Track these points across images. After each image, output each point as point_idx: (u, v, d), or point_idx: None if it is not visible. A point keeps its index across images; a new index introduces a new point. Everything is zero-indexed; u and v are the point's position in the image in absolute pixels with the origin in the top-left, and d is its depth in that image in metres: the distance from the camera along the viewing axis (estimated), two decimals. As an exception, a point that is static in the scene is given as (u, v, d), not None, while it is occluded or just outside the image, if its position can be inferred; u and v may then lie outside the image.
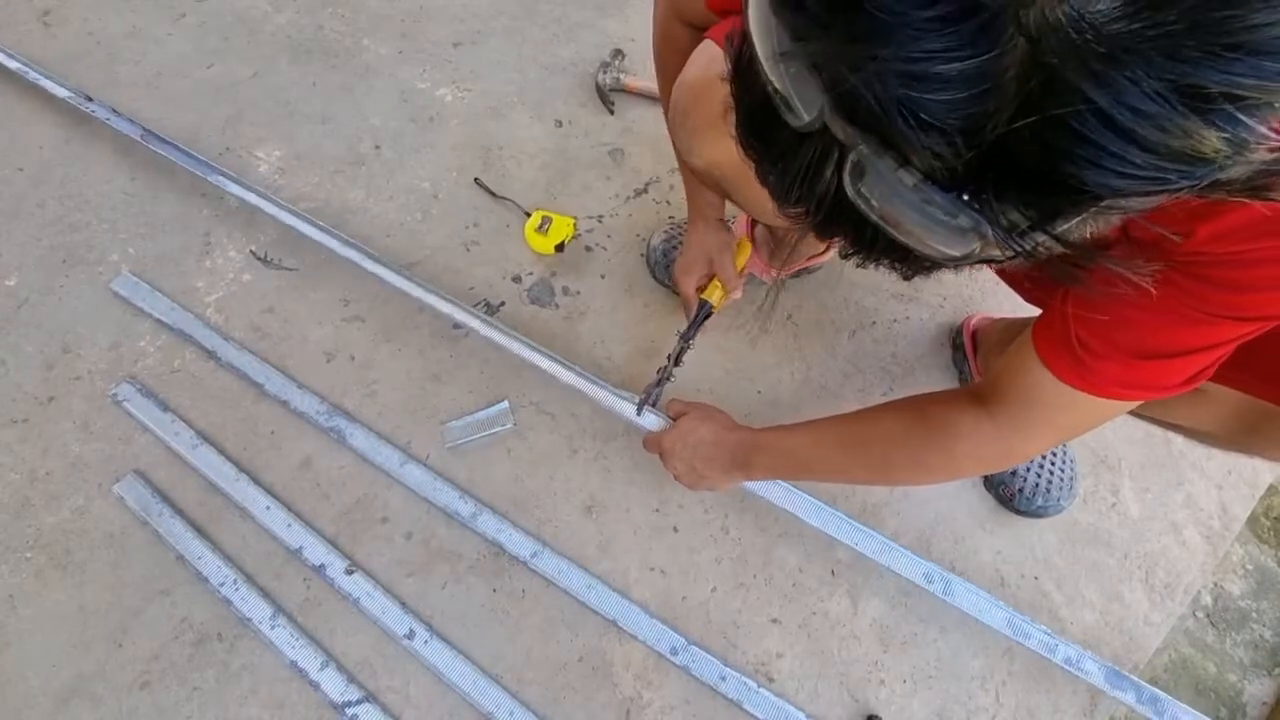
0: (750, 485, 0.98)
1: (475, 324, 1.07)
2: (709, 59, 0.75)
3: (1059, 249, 0.31)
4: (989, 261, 0.33)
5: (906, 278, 0.38)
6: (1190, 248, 0.49)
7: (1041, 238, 0.30)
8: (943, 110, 0.27)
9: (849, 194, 0.32)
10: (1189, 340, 0.55)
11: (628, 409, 1.01)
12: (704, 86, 0.75)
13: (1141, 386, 0.59)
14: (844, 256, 0.39)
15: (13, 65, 1.30)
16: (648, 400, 1.00)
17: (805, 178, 0.34)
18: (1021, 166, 0.27)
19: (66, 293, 1.14)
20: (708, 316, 1.01)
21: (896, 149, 0.29)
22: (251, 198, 1.15)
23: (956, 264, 0.34)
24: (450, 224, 1.25)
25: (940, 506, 1.08)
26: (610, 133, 1.37)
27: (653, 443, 0.96)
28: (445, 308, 1.07)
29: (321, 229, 1.13)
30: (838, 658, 0.98)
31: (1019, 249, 0.30)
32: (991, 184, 0.29)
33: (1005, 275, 0.92)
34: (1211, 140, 0.25)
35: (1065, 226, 0.30)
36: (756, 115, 0.35)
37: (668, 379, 1.01)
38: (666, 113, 0.82)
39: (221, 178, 1.17)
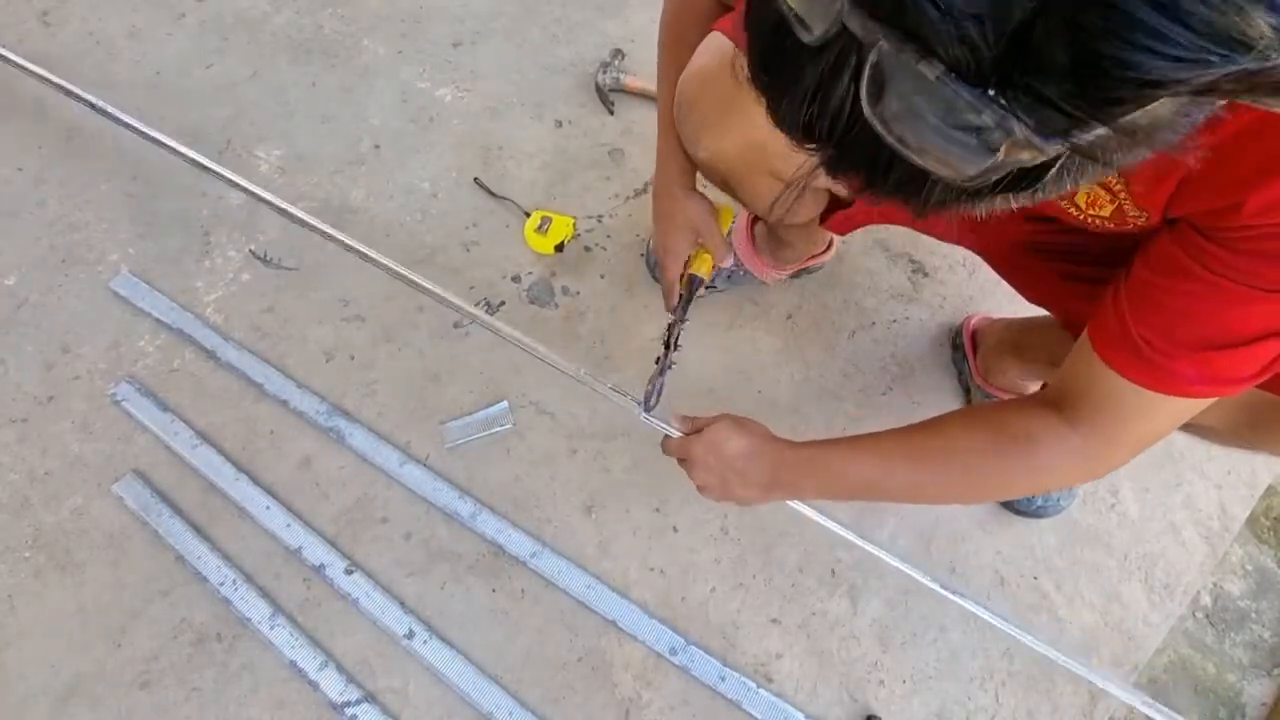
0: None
1: (480, 315, 1.03)
2: (716, 48, 0.74)
3: (1086, 140, 0.29)
4: (1006, 185, 0.32)
5: (919, 216, 0.36)
6: (1241, 221, 0.48)
7: (1069, 127, 0.28)
8: None
9: (865, 113, 0.30)
10: (1253, 324, 0.53)
11: (628, 406, 0.95)
12: (711, 75, 0.74)
13: (1215, 381, 0.56)
14: (855, 196, 0.37)
15: (26, 70, 1.30)
16: (653, 393, 0.91)
17: (819, 95, 0.32)
18: (1053, 52, 0.26)
19: (66, 292, 1.14)
20: (700, 287, 0.93)
21: (919, 39, 0.27)
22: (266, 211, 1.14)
23: (973, 191, 0.32)
24: (450, 224, 1.25)
25: (940, 507, 1.07)
26: (610, 133, 1.37)
27: (677, 447, 0.86)
28: (451, 299, 1.04)
29: (324, 232, 1.13)
30: (837, 658, 0.98)
31: (1049, 140, 0.29)
32: (1020, 74, 0.27)
33: (1011, 273, 0.91)
34: (1259, 25, 0.24)
35: (1092, 135, 0.28)
36: (768, 40, 0.34)
37: (669, 366, 0.92)
38: (663, 90, 0.80)
39: (240, 192, 1.16)
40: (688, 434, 0.84)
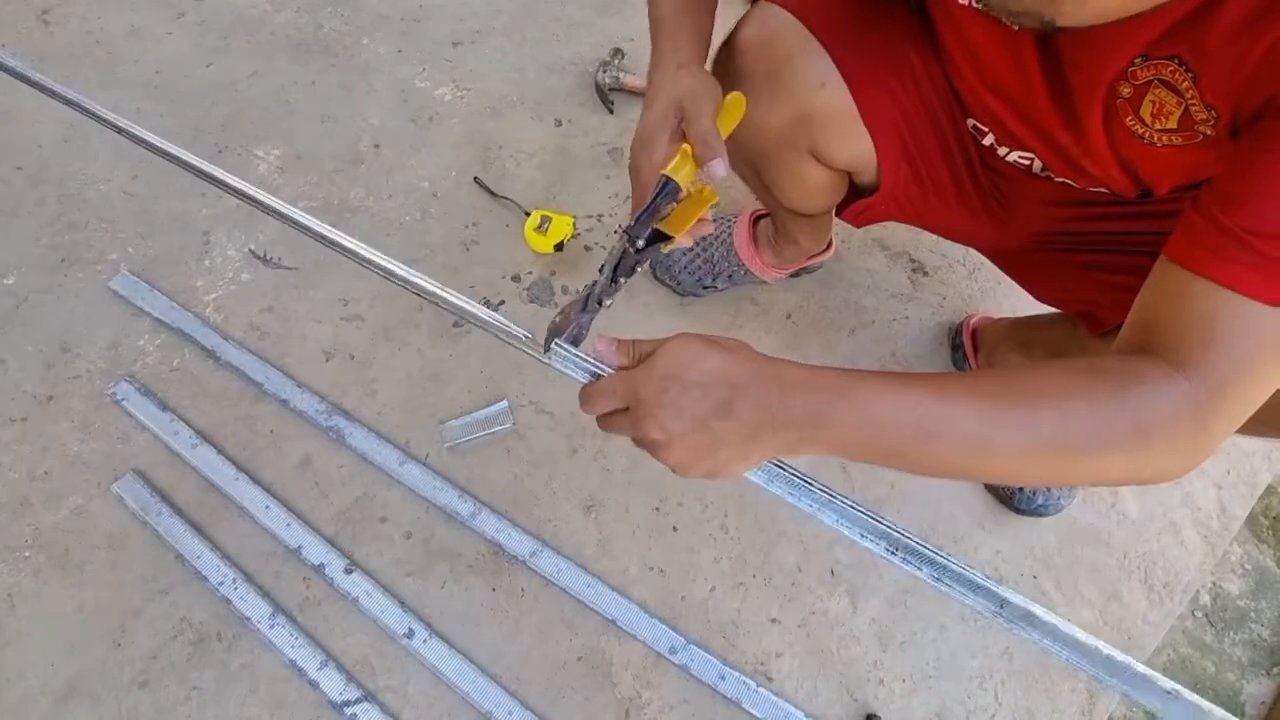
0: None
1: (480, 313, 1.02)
2: (765, 18, 0.74)
3: None
4: None
5: None
6: None
7: None
8: None
9: None
10: None
11: (532, 348, 0.64)
12: (760, 46, 0.73)
13: None
14: None
15: (15, 65, 1.29)
16: (568, 328, 0.61)
17: None
18: None
19: (65, 292, 1.14)
20: (669, 200, 0.63)
21: None
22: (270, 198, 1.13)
23: None
24: (450, 223, 1.25)
25: (940, 505, 1.08)
26: (610, 132, 1.37)
27: (612, 389, 0.56)
28: (447, 296, 1.02)
29: (319, 237, 1.12)
30: (837, 657, 0.98)
31: None
32: None
33: (1027, 272, 0.90)
34: None
35: None
36: None
37: (599, 302, 0.63)
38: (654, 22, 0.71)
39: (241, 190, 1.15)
40: (626, 367, 0.56)
